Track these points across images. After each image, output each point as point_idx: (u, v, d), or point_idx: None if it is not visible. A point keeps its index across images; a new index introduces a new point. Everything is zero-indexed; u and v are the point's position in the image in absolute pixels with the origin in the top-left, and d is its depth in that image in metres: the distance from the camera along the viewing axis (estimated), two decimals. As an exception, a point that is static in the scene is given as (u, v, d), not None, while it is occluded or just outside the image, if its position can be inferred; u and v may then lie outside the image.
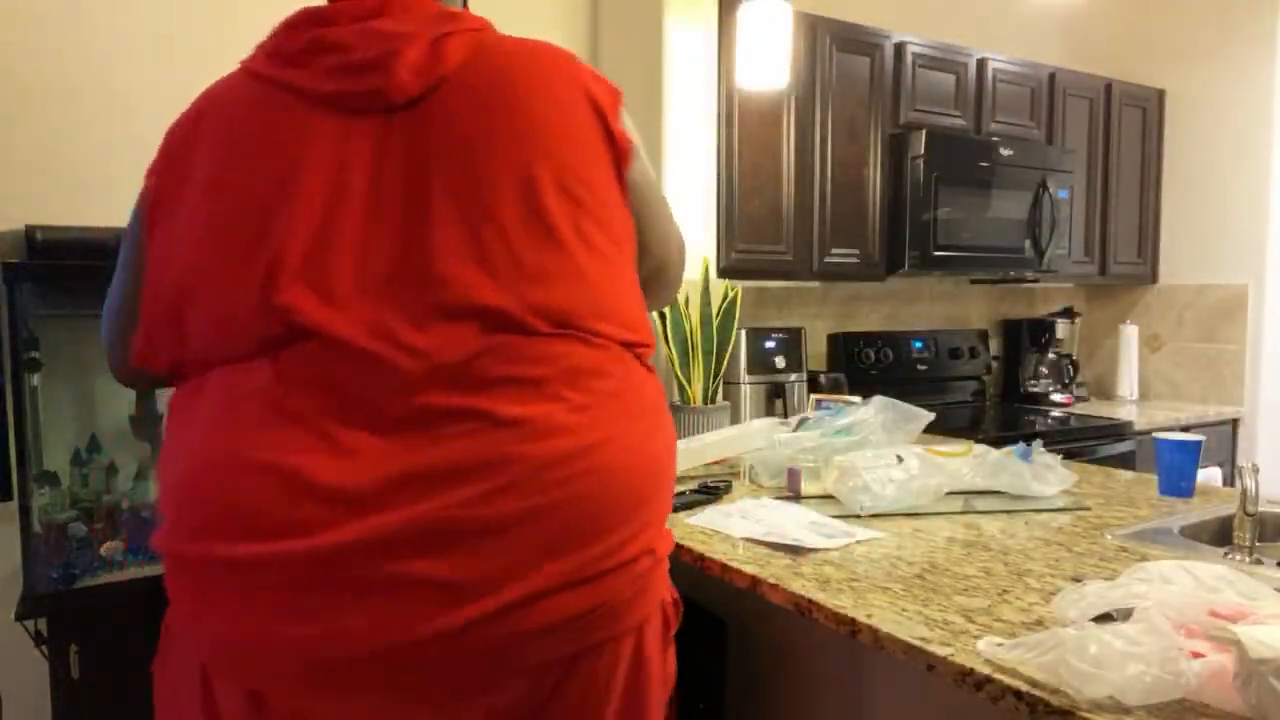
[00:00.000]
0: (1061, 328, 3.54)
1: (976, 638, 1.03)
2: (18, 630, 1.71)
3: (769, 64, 2.42)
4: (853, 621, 1.13)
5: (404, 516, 0.82)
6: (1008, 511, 1.66)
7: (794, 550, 1.42)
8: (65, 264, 1.76)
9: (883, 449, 1.79)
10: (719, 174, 2.48)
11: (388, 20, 0.95)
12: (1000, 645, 0.98)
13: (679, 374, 2.32)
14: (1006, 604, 1.17)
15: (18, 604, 1.69)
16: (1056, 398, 3.47)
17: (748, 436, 2.01)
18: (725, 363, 2.37)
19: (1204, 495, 1.77)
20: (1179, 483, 1.76)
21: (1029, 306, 3.78)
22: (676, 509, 1.69)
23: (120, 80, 1.96)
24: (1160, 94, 3.57)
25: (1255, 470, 1.41)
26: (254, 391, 0.87)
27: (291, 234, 0.88)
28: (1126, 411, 3.30)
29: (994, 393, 3.61)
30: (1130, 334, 3.60)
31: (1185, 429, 2.96)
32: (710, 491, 1.79)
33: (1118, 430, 3.03)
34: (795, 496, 1.77)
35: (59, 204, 1.88)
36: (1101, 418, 3.14)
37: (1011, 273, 3.14)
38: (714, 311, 2.34)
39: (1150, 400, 3.62)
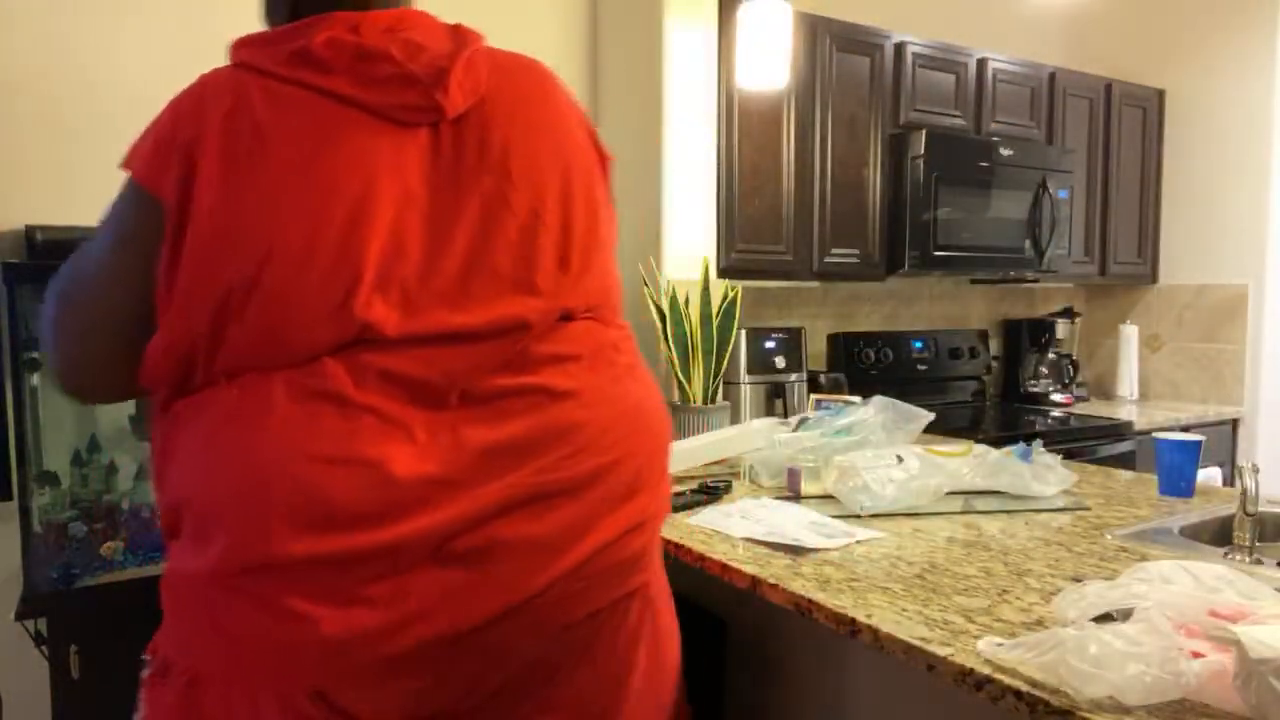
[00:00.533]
0: (1061, 328, 3.54)
1: (976, 638, 1.04)
2: (18, 630, 1.71)
3: (769, 64, 2.42)
4: (853, 621, 1.13)
5: (495, 490, 0.90)
6: (1008, 511, 1.66)
7: (794, 550, 1.42)
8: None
9: (883, 449, 1.79)
10: (719, 174, 2.48)
11: (415, 33, 1.00)
12: (1000, 645, 0.98)
13: (679, 374, 2.31)
14: (1006, 604, 1.17)
15: (18, 604, 1.69)
16: (1056, 398, 3.47)
17: (748, 436, 2.01)
18: (725, 363, 2.37)
19: (1204, 495, 1.77)
20: (1179, 483, 1.76)
21: (1029, 306, 3.78)
22: (676, 509, 1.69)
23: (121, 80, 1.96)
24: (1160, 94, 3.57)
25: (1255, 470, 1.41)
26: (323, 393, 0.89)
27: (369, 245, 0.91)
28: (1126, 411, 3.30)
29: (994, 393, 3.62)
30: (1130, 334, 3.60)
31: (1185, 429, 2.96)
32: (710, 491, 1.79)
33: (1118, 430, 3.03)
34: (795, 496, 1.77)
35: (59, 204, 1.88)
36: (1101, 418, 3.14)
37: (1011, 273, 3.14)
38: (714, 311, 2.34)
39: (1150, 400, 3.62)
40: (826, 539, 1.46)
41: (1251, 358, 3.38)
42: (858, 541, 1.47)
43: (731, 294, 2.38)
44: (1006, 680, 0.93)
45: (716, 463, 2.02)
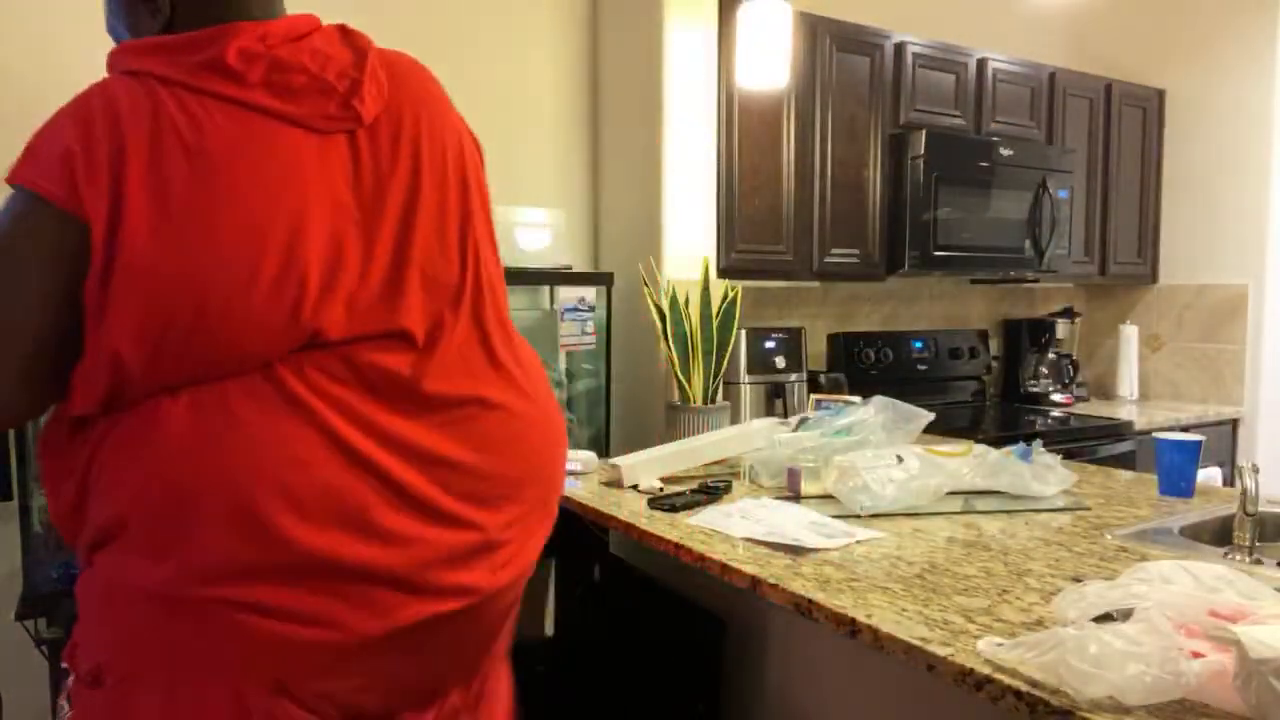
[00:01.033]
0: (1061, 328, 3.54)
1: (976, 638, 1.04)
2: (18, 630, 1.71)
3: (769, 64, 2.42)
4: (853, 621, 1.13)
5: (452, 502, 0.98)
6: (1008, 511, 1.66)
7: (794, 550, 1.42)
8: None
9: (883, 449, 1.79)
10: (719, 174, 2.48)
11: (318, 41, 1.01)
12: (1000, 645, 0.98)
13: (679, 374, 2.31)
14: (1006, 604, 1.17)
15: (18, 604, 1.69)
16: (1056, 398, 3.47)
17: (748, 436, 2.01)
18: (725, 363, 2.37)
19: (1204, 495, 1.77)
20: (1179, 483, 1.76)
21: (1029, 306, 3.78)
22: (677, 509, 1.69)
23: (120, 80, 1.96)
24: (1160, 94, 3.57)
25: (1255, 470, 1.41)
26: (283, 399, 0.92)
27: (311, 255, 0.93)
28: (1126, 411, 3.30)
29: (994, 393, 3.61)
30: (1130, 334, 3.60)
31: (1185, 429, 2.96)
32: (710, 491, 1.79)
33: (1118, 430, 3.03)
34: (795, 496, 1.77)
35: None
36: (1101, 418, 3.14)
37: (1011, 273, 3.14)
38: (714, 311, 2.34)
39: (1150, 400, 3.62)
40: (826, 539, 1.46)
41: (1251, 358, 3.38)
42: (858, 541, 1.47)
43: (731, 294, 2.38)
44: (1006, 680, 0.93)
45: (716, 463, 2.02)
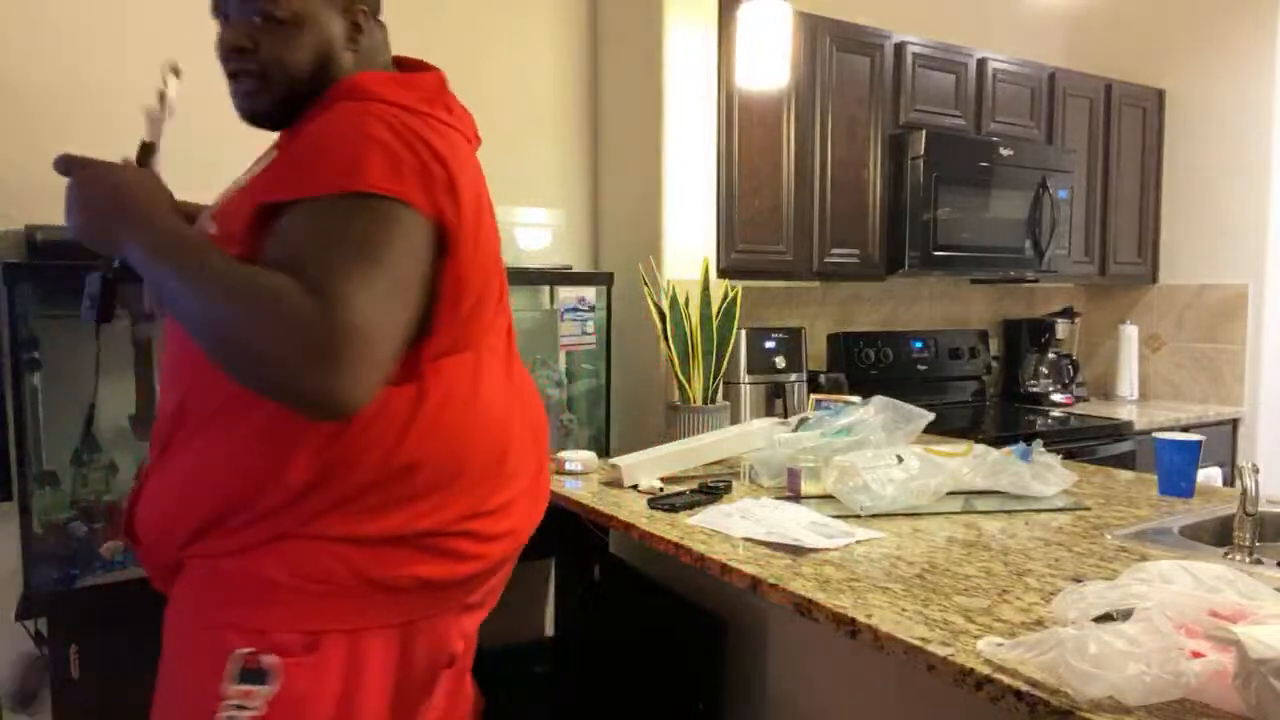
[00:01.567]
0: (1061, 328, 3.54)
1: (976, 638, 1.04)
2: (18, 630, 1.71)
3: (769, 64, 2.42)
4: (853, 621, 1.13)
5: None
6: (1008, 511, 1.66)
7: (794, 550, 1.42)
8: (65, 264, 1.76)
9: (883, 449, 1.79)
10: (719, 174, 2.48)
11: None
12: (1000, 645, 0.98)
13: (679, 374, 2.31)
14: (1006, 604, 1.17)
15: (18, 604, 1.69)
16: (1056, 398, 3.47)
17: (748, 436, 2.01)
18: (725, 363, 2.37)
19: (1204, 495, 1.77)
20: (1179, 483, 1.76)
21: (1029, 306, 3.78)
22: (677, 509, 1.69)
23: (121, 81, 1.96)
24: (1160, 94, 3.57)
25: (1255, 470, 1.41)
26: (500, 362, 1.18)
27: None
28: (1126, 411, 3.30)
29: (994, 393, 3.61)
30: (1130, 334, 3.60)
31: (1185, 429, 2.96)
32: (710, 491, 1.79)
33: (1118, 430, 3.03)
34: (795, 496, 1.77)
35: (59, 204, 1.88)
36: (1101, 418, 3.14)
37: (1011, 273, 3.14)
38: (714, 311, 2.34)
39: (1150, 400, 3.62)
40: (826, 539, 1.46)
41: (1251, 358, 3.38)
42: (858, 541, 1.47)
43: (731, 294, 2.38)
44: (1006, 680, 0.93)
45: (716, 463, 2.02)
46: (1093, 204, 3.41)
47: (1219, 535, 1.56)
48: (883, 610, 1.15)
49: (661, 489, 1.86)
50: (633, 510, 1.71)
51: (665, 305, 2.30)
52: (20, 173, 1.88)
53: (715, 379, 2.35)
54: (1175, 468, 1.76)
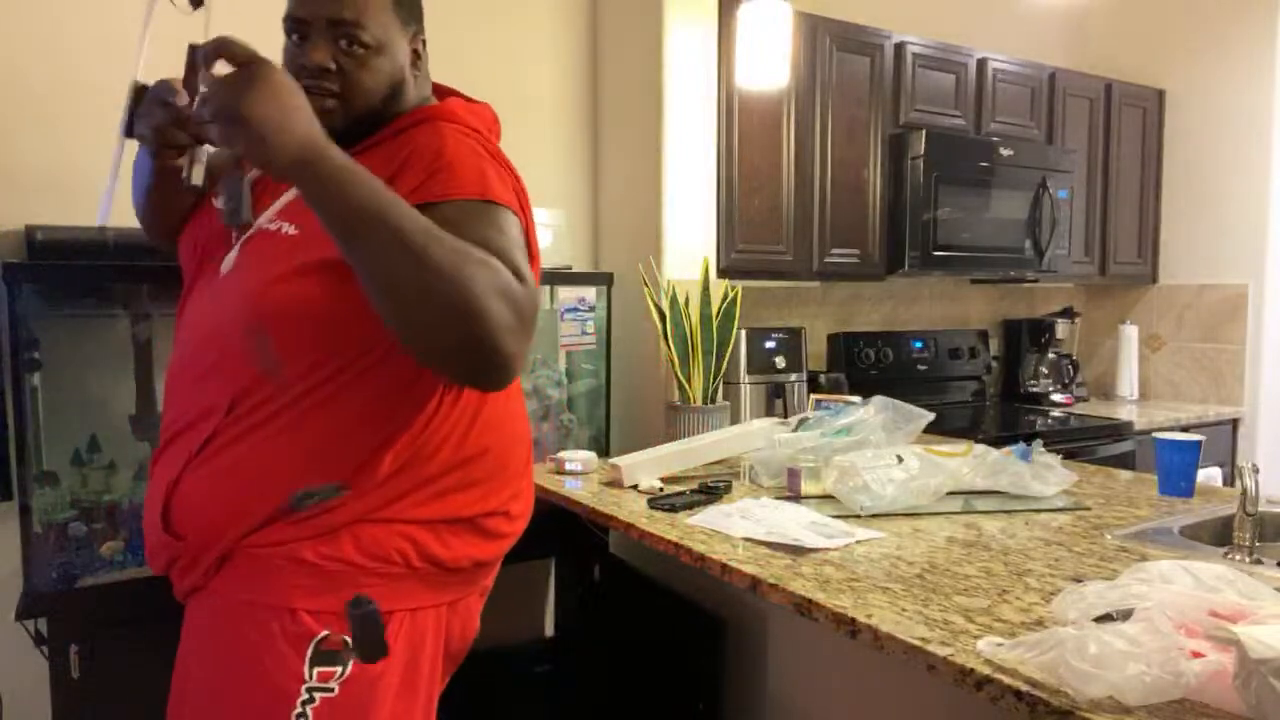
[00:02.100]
0: (1061, 328, 3.54)
1: (976, 638, 1.04)
2: (18, 630, 1.71)
3: (769, 64, 2.42)
4: (853, 621, 1.13)
5: None
6: (1008, 511, 1.66)
7: (794, 550, 1.42)
8: (65, 264, 1.76)
9: (883, 449, 1.79)
10: (719, 174, 2.48)
11: None
12: (1000, 645, 0.98)
13: (679, 374, 2.31)
14: (1006, 604, 1.17)
15: (18, 604, 1.69)
16: (1056, 398, 3.47)
17: (748, 436, 2.01)
18: (725, 363, 2.37)
19: (1204, 495, 1.77)
20: (1179, 483, 1.76)
21: (1029, 306, 3.78)
22: (677, 509, 1.69)
23: (121, 81, 1.96)
24: (1160, 94, 3.57)
25: (1255, 470, 1.41)
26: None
27: None
28: (1126, 411, 3.30)
29: (994, 393, 3.61)
30: (1130, 334, 3.60)
31: (1185, 429, 2.96)
32: (710, 491, 1.79)
33: (1118, 430, 3.03)
34: (795, 496, 1.77)
35: (59, 204, 1.88)
36: (1101, 418, 3.14)
37: (1011, 272, 3.14)
38: (714, 311, 2.34)
39: (1150, 400, 3.62)
40: (826, 539, 1.46)
41: (1251, 358, 3.38)
42: (858, 541, 1.47)
43: (731, 294, 2.38)
44: (1006, 680, 0.93)
45: (716, 463, 2.02)
46: (1093, 204, 3.41)
47: (1219, 535, 1.56)
48: (883, 610, 1.15)
49: (661, 489, 1.86)
50: (633, 510, 1.71)
51: (665, 305, 2.30)
52: (20, 173, 1.88)
53: (715, 379, 2.35)
54: (1175, 468, 1.76)
